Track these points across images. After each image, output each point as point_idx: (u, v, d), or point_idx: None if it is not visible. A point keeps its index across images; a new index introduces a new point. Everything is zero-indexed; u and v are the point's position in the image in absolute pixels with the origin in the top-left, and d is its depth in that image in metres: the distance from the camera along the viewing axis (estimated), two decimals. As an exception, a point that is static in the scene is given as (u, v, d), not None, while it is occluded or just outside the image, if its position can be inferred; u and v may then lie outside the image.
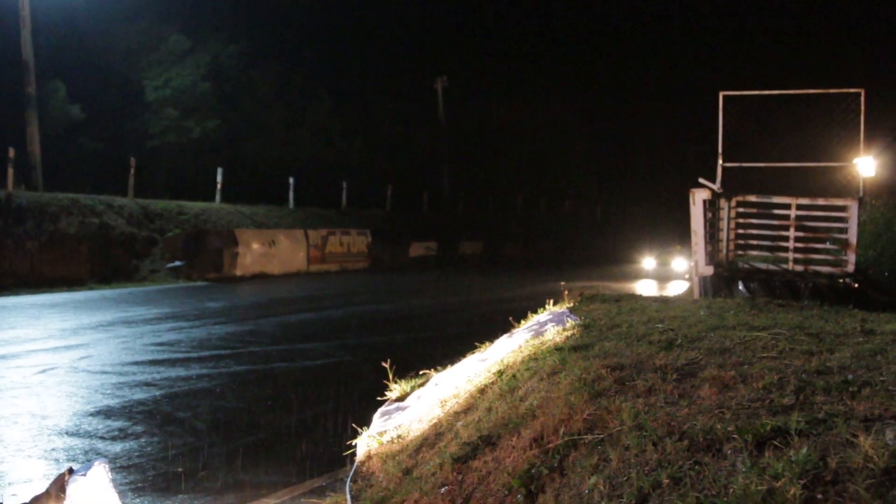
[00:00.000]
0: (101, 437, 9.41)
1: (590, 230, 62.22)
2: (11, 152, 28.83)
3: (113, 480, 6.31)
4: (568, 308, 6.99)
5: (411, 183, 52.82)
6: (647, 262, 41.09)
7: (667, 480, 3.47)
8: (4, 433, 9.52)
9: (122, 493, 7.22)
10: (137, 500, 7.47)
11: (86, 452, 8.69)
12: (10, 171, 28.66)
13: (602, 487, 3.68)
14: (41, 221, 28.39)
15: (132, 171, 33.57)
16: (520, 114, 64.04)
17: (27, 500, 6.08)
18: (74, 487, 5.99)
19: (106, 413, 10.57)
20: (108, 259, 29.97)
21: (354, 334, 17.54)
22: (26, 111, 35.80)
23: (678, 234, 38.71)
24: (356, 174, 48.73)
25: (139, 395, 11.68)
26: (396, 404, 6.08)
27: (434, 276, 36.51)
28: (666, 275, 35.52)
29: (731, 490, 3.20)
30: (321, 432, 6.36)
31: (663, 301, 10.27)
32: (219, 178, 37.71)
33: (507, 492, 3.99)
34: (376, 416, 6.16)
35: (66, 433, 9.58)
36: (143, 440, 9.38)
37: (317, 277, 34.17)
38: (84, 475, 6.07)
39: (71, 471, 6.11)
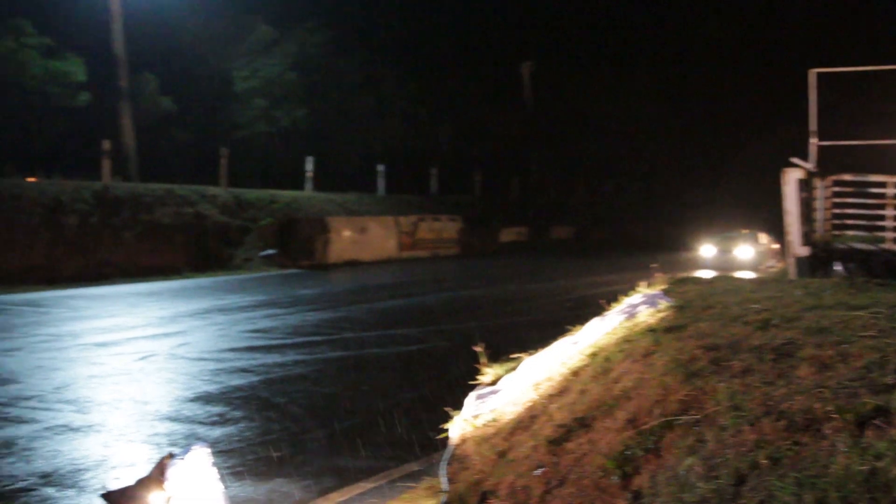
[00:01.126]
0: (201, 423, 9.60)
1: (671, 214, 61.39)
2: (107, 144, 29.42)
3: (213, 464, 6.43)
4: (661, 290, 6.93)
5: (500, 168, 52.71)
6: (706, 249, 34.00)
7: (765, 461, 3.42)
8: (108, 419, 9.76)
9: (221, 477, 7.36)
10: (237, 484, 7.59)
11: (186, 437, 8.87)
12: (106, 163, 29.25)
13: (699, 468, 3.63)
14: (137, 212, 28.94)
15: (224, 160, 34.04)
16: (608, 96, 63.46)
17: (131, 483, 6.24)
18: (175, 471, 6.11)
19: (205, 399, 10.77)
20: (203, 248, 30.45)
21: (447, 320, 17.59)
22: (119, 104, 36.53)
23: (748, 216, 37.77)
24: (445, 160, 48.79)
25: (237, 381, 11.88)
26: (489, 388, 6.10)
27: (525, 261, 36.43)
28: (727, 265, 30.75)
29: (832, 470, 3.14)
30: (415, 417, 6.42)
31: (758, 282, 10.11)
32: (309, 166, 38.04)
33: (601, 473, 3.96)
34: (470, 400, 6.18)
35: (167, 418, 9.79)
36: (241, 425, 9.54)
37: (408, 264, 34.33)
38: (184, 459, 6.20)
39: (172, 455, 6.24)
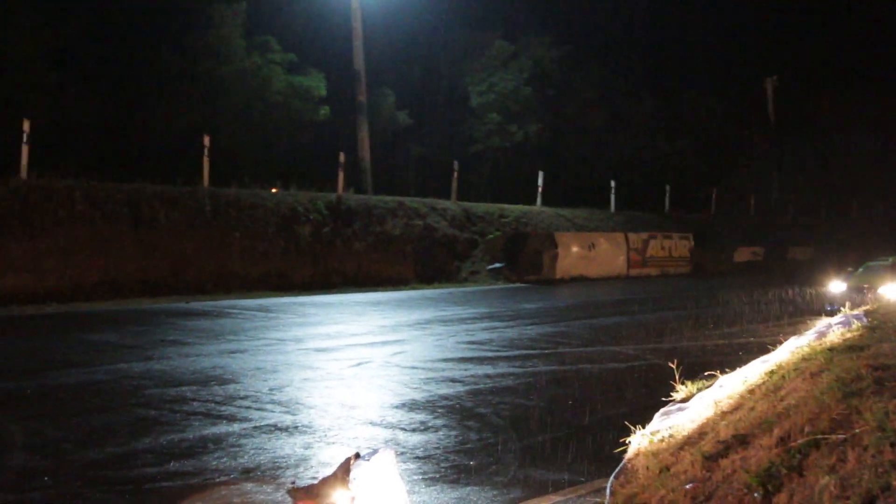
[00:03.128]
0: (403, 429, 9.64)
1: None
2: (342, 157, 30.30)
3: (399, 467, 6.42)
4: (864, 310, 6.48)
5: (737, 186, 51.36)
6: (835, 285, 24.84)
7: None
8: (315, 420, 9.95)
9: (414, 482, 7.38)
10: (429, 489, 7.59)
11: (386, 442, 8.92)
12: (341, 175, 30.12)
13: (833, 488, 3.49)
14: (368, 223, 29.66)
15: (455, 174, 34.49)
16: (855, 113, 60.84)
17: (316, 482, 6.29)
18: (359, 472, 6.12)
19: (410, 406, 10.83)
20: (431, 260, 30.90)
21: (668, 338, 17.16)
22: (357, 118, 37.58)
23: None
24: (680, 177, 47.95)
25: (444, 390, 11.91)
26: (678, 405, 5.88)
27: (759, 281, 35.23)
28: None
29: None
30: (615, 433, 6.23)
31: None
32: (540, 181, 38.08)
33: (745, 490, 3.77)
34: (656, 417, 5.98)
35: (371, 423, 9.89)
36: (441, 433, 9.53)
37: (636, 281, 33.83)
38: (369, 460, 6.21)
39: (358, 455, 6.26)
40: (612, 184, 41.22)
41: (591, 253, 34.00)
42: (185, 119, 32.84)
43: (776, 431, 4.09)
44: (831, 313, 13.95)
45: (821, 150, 61.10)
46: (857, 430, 3.76)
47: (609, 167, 45.22)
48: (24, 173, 22.88)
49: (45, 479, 7.65)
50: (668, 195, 44.82)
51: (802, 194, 56.59)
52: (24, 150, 22.91)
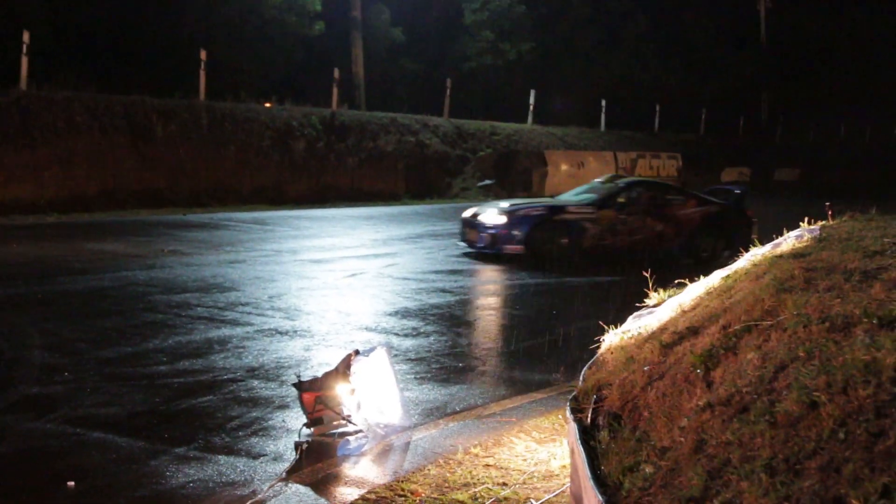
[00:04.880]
0: (396, 334, 10.29)
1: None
2: (336, 73, 30.56)
3: (392, 363, 7.06)
4: (821, 225, 7.11)
5: (726, 107, 51.65)
6: None
7: (802, 354, 4.04)
8: (313, 325, 10.59)
9: (406, 381, 8.03)
10: (420, 387, 8.25)
11: (380, 345, 9.55)
12: (335, 91, 30.43)
13: (755, 360, 4.24)
14: (361, 139, 30.07)
15: (448, 91, 34.81)
16: (847, 35, 60.90)
17: (319, 375, 6.93)
18: (358, 366, 6.77)
19: (403, 314, 11.47)
20: (423, 176, 31.38)
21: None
22: (351, 34, 37.77)
23: None
24: (670, 97, 48.22)
25: (435, 299, 12.55)
26: (650, 309, 6.53)
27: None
28: None
29: (843, 359, 3.77)
30: (592, 339, 6.86)
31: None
32: (531, 99, 38.38)
33: (691, 368, 4.53)
34: (629, 319, 6.64)
35: (366, 328, 10.54)
36: (431, 338, 10.19)
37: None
38: (367, 356, 6.85)
39: (357, 352, 6.90)
40: (603, 103, 41.55)
41: (580, 171, 34.43)
42: (181, 32, 33.03)
43: (720, 322, 4.90)
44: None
45: (810, 72, 61.31)
46: (781, 318, 4.53)
47: (600, 87, 45.47)
48: (23, 84, 23.17)
49: (66, 374, 8.26)
50: (657, 115, 45.19)
51: (790, 116, 56.92)
52: (24, 60, 23.17)
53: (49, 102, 23.06)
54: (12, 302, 11.28)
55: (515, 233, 16.34)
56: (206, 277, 13.44)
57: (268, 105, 29.40)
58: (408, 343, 9.85)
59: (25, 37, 22.95)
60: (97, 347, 9.28)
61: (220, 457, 6.40)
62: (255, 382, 8.20)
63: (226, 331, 10.13)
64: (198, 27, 33.33)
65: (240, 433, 6.90)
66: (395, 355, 9.10)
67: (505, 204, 17.42)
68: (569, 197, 18.26)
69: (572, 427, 5.21)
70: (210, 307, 11.36)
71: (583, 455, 4.65)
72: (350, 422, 6.83)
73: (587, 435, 4.99)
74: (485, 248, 16.54)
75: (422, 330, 10.57)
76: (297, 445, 6.61)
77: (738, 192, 19.03)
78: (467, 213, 17.44)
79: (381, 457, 6.68)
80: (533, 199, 19.88)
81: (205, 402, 7.60)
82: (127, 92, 25.23)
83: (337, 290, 13.01)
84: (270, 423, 7.18)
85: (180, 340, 9.62)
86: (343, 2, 38.04)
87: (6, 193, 21.03)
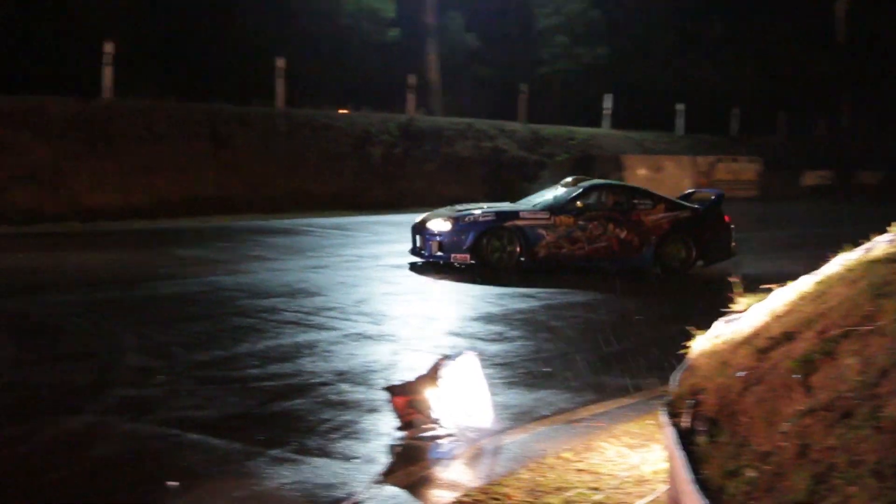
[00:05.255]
0: (481, 339, 10.36)
1: None
2: (412, 79, 30.74)
3: (481, 368, 7.13)
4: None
5: (806, 110, 50.92)
6: None
7: None
8: (398, 330, 10.72)
9: (494, 385, 8.06)
10: (508, 391, 8.32)
11: (466, 350, 9.63)
12: (411, 97, 30.60)
13: (856, 366, 4.24)
14: (438, 145, 30.18)
15: (523, 96, 34.82)
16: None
17: (410, 380, 7.02)
18: (447, 371, 6.84)
19: (487, 318, 11.54)
20: (499, 181, 31.36)
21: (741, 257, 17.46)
22: (426, 40, 37.95)
23: None
24: (747, 100, 47.65)
25: (519, 304, 12.63)
26: (738, 314, 6.51)
27: (829, 205, 35.27)
28: None
29: None
30: (680, 344, 6.86)
31: None
32: (607, 103, 38.24)
33: (789, 373, 4.54)
34: (717, 323, 6.63)
35: (451, 333, 10.63)
36: (517, 343, 10.27)
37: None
38: (455, 361, 6.93)
39: (446, 357, 6.98)
40: (680, 107, 41.22)
41: (657, 175, 34.22)
42: (258, 40, 33.40)
43: (817, 327, 4.85)
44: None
45: (892, 73, 60.22)
46: (880, 323, 4.47)
47: (676, 90, 45.09)
48: (107, 94, 23.68)
49: (160, 377, 8.45)
50: (736, 118, 44.70)
51: (874, 119, 55.94)
52: (107, 71, 23.69)
53: (132, 111, 23.54)
54: (105, 307, 11.54)
55: (462, 240, 15.20)
56: (291, 282, 13.63)
57: (345, 112, 29.65)
58: (493, 348, 9.91)
59: (108, 48, 23.45)
60: (190, 351, 9.48)
61: (314, 459, 6.51)
62: (345, 386, 8.32)
63: (313, 335, 10.27)
64: (275, 36, 33.67)
65: (332, 436, 7.01)
66: (482, 360, 9.13)
67: (455, 209, 16.35)
68: (531, 200, 16.99)
69: (670, 431, 5.23)
70: (296, 311, 11.53)
71: (683, 459, 4.68)
72: (441, 425, 6.91)
73: (685, 439, 5.01)
74: (431, 257, 15.45)
75: (507, 335, 10.64)
76: (391, 448, 6.71)
77: (714, 196, 17.36)
78: (417, 220, 16.32)
79: (473, 460, 6.75)
80: (489, 204, 17.77)
81: (296, 405, 7.73)
82: (207, 100, 25.64)
83: (421, 295, 13.14)
84: (361, 426, 7.27)
85: (269, 345, 9.78)
86: (417, 8, 38.22)
87: (93, 200, 21.49)
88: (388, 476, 6.29)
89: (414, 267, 15.53)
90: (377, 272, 15.14)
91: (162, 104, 24.41)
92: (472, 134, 31.46)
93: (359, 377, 8.60)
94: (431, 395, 6.86)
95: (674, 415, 5.48)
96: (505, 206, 16.98)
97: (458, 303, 12.69)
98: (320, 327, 10.67)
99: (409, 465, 6.53)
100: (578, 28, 45.47)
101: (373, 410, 7.62)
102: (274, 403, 7.77)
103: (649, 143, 38.68)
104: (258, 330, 10.47)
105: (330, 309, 11.76)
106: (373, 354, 9.50)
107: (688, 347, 6.60)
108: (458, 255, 15.19)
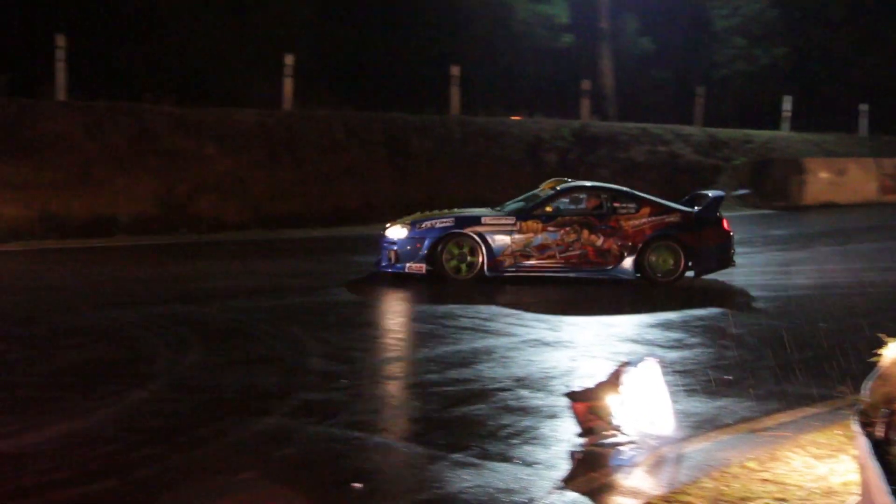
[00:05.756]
0: (660, 346, 10.23)
1: None
2: (586, 84, 30.61)
3: (663, 375, 7.03)
4: None
5: None
6: None
7: None
8: (576, 336, 10.68)
9: (674, 393, 7.93)
10: (689, 399, 8.17)
11: (645, 357, 9.51)
12: (585, 102, 30.47)
13: None
14: (613, 150, 29.95)
15: (699, 100, 34.26)
16: None
17: (591, 386, 6.98)
18: (628, 377, 6.77)
19: (666, 325, 11.39)
20: (675, 186, 30.88)
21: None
22: (600, 45, 37.72)
23: None
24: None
25: (698, 311, 12.43)
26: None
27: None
28: None
29: None
30: (866, 353, 6.64)
31: None
32: (786, 106, 37.26)
33: None
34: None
35: (629, 340, 10.53)
36: (697, 350, 10.10)
37: (889, 208, 32.82)
38: (636, 368, 6.86)
39: (627, 364, 6.91)
40: (863, 107, 39.84)
41: (840, 179, 33.17)
42: (433, 49, 33.80)
43: None
44: None
45: None
46: None
47: (859, 90, 43.61)
48: (287, 104, 24.36)
49: (343, 380, 8.62)
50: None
51: None
52: (288, 82, 24.36)
53: (312, 121, 24.14)
54: (289, 312, 11.86)
55: (417, 248, 14.03)
56: (466, 289, 13.71)
57: (518, 118, 29.72)
58: (673, 355, 9.77)
59: (289, 59, 24.12)
60: (369, 355, 9.66)
61: (495, 464, 6.52)
62: (524, 392, 8.32)
63: (490, 341, 10.33)
64: (450, 44, 34.02)
65: (513, 441, 7.01)
66: (662, 367, 9.02)
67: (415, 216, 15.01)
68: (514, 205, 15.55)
69: (863, 442, 5.06)
70: (473, 318, 11.62)
71: (878, 470, 4.51)
72: (622, 432, 6.85)
73: (879, 450, 4.83)
74: (387, 266, 14.27)
75: (686, 342, 10.47)
76: (572, 454, 6.67)
77: (713, 196, 15.47)
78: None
79: (655, 468, 6.66)
80: (461, 210, 15.69)
81: (477, 410, 7.77)
82: (384, 109, 26.10)
83: (598, 301, 13.08)
84: (541, 431, 7.26)
85: (447, 350, 9.87)
86: (591, 13, 38.02)
87: (275, 208, 22.11)
88: (569, 482, 6.26)
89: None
90: (553, 278, 15.09)
91: (340, 114, 24.97)
92: (647, 138, 31.11)
93: (538, 383, 8.60)
94: (612, 402, 6.80)
95: (866, 424, 5.30)
96: (467, 211, 15.37)
97: (636, 309, 12.55)
98: (497, 333, 10.73)
99: (590, 471, 6.48)
100: (756, 29, 44.48)
101: (552, 416, 7.59)
102: (454, 408, 7.82)
103: (830, 145, 37.49)
104: (436, 335, 10.58)
105: (506, 315, 11.82)
106: (551, 360, 9.48)
107: (879, 355, 6.36)
108: (413, 265, 14.03)
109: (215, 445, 6.86)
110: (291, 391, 8.21)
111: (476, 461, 6.56)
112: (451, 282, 13.92)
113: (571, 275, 14.33)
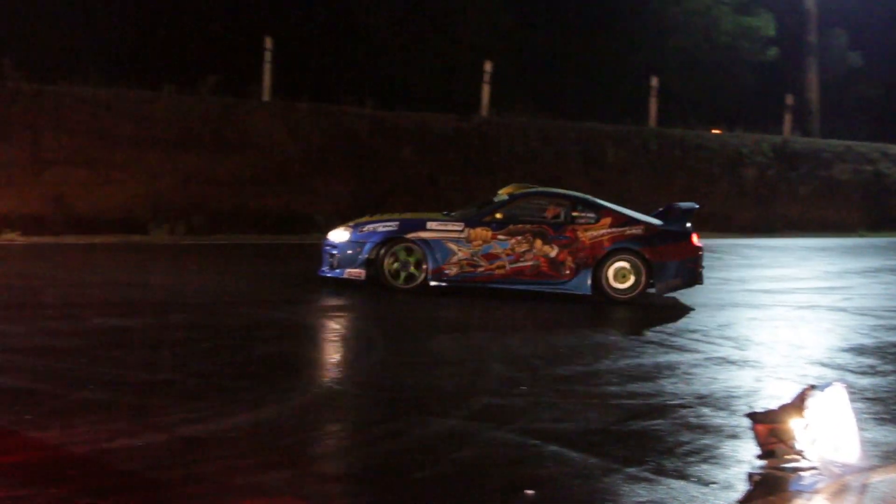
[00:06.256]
0: (851, 371, 9.90)
1: None
2: (790, 99, 29.85)
3: (850, 402, 6.82)
4: None
5: None
6: None
7: None
8: (763, 356, 10.45)
9: (863, 420, 7.70)
10: (879, 427, 7.89)
11: (833, 382, 9.24)
12: (788, 118, 29.71)
13: None
14: (815, 167, 29.13)
15: (910, 118, 33.01)
16: None
17: (774, 408, 6.83)
18: (814, 401, 6.60)
19: (858, 350, 11.01)
20: (881, 207, 29.87)
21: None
22: (806, 59, 36.70)
23: None
24: None
25: (893, 337, 11.95)
26: None
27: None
28: None
29: None
30: None
31: None
32: None
33: None
34: None
35: (818, 363, 10.23)
36: (891, 378, 9.73)
37: None
38: (823, 392, 6.68)
39: (813, 387, 6.74)
40: None
41: None
42: (632, 60, 33.52)
43: None
44: None
45: None
46: None
47: None
48: (484, 111, 24.61)
49: (523, 388, 8.69)
50: None
51: None
52: (486, 89, 24.63)
53: (507, 128, 24.35)
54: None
55: (357, 253, 13.29)
56: (653, 303, 13.60)
57: (717, 132, 29.21)
58: (864, 381, 9.44)
59: (487, 66, 24.38)
60: (550, 364, 9.70)
61: (670, 480, 6.46)
62: (705, 410, 8.20)
63: (674, 356, 10.22)
64: (649, 54, 33.68)
65: (690, 459, 6.93)
66: (851, 393, 8.70)
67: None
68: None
69: None
70: (658, 332, 11.53)
71: None
72: (804, 457, 6.68)
73: None
74: (327, 271, 13.58)
75: (879, 369, 10.11)
76: (750, 476, 6.56)
77: (684, 208, 14.67)
78: None
79: (836, 496, 6.47)
80: (410, 214, 15.02)
81: (655, 425, 7.70)
82: (580, 118, 26.07)
83: (788, 322, 12.75)
84: (720, 451, 7.14)
85: (630, 363, 9.83)
86: (798, 27, 37.04)
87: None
88: (746, 504, 6.15)
89: (783, 294, 15.07)
90: (744, 296, 14.86)
91: (536, 122, 25.10)
92: (851, 156, 30.11)
93: (720, 402, 8.45)
94: (795, 426, 6.64)
95: None
96: (415, 215, 14.63)
97: (827, 332, 12.20)
98: (681, 349, 10.60)
99: (769, 494, 6.34)
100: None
101: (733, 436, 7.46)
102: (633, 422, 7.78)
103: None
104: (619, 348, 10.57)
105: (692, 331, 11.67)
106: (735, 379, 9.32)
107: None
108: (352, 271, 13.33)
109: (395, 443, 6.98)
110: (473, 395, 8.30)
111: (651, 476, 6.51)
112: (391, 290, 13.29)
113: (519, 287, 13.57)
